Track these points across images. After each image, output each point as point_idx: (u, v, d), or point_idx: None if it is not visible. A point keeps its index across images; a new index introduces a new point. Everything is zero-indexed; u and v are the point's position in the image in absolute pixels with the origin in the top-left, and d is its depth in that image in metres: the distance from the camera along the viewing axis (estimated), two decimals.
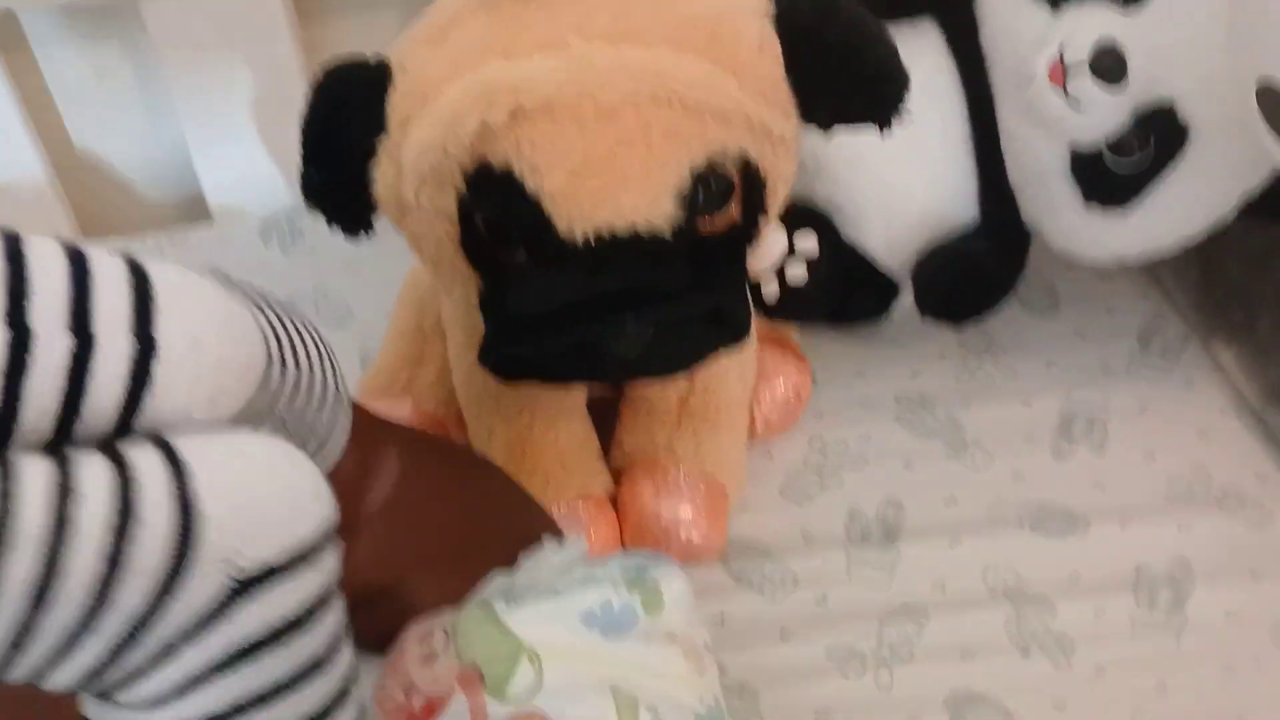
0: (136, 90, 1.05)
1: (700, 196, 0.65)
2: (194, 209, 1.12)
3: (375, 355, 0.91)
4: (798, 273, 0.88)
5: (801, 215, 0.89)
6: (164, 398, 0.45)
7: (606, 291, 0.65)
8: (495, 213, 0.66)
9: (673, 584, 0.63)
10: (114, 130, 1.08)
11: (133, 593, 0.42)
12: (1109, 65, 0.78)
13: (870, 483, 0.87)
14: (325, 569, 0.48)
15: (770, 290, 0.88)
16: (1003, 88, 0.86)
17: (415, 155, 0.65)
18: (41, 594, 0.41)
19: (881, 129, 0.71)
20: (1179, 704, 0.74)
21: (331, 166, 0.69)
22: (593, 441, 0.84)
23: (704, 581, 0.81)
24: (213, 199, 1.08)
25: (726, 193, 0.67)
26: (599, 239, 0.63)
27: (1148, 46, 0.78)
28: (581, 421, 0.84)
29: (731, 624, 0.79)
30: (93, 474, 0.42)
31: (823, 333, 0.97)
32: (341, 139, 0.68)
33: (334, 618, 0.49)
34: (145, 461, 0.43)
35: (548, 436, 0.81)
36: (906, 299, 0.93)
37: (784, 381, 0.89)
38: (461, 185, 0.65)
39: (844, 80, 0.69)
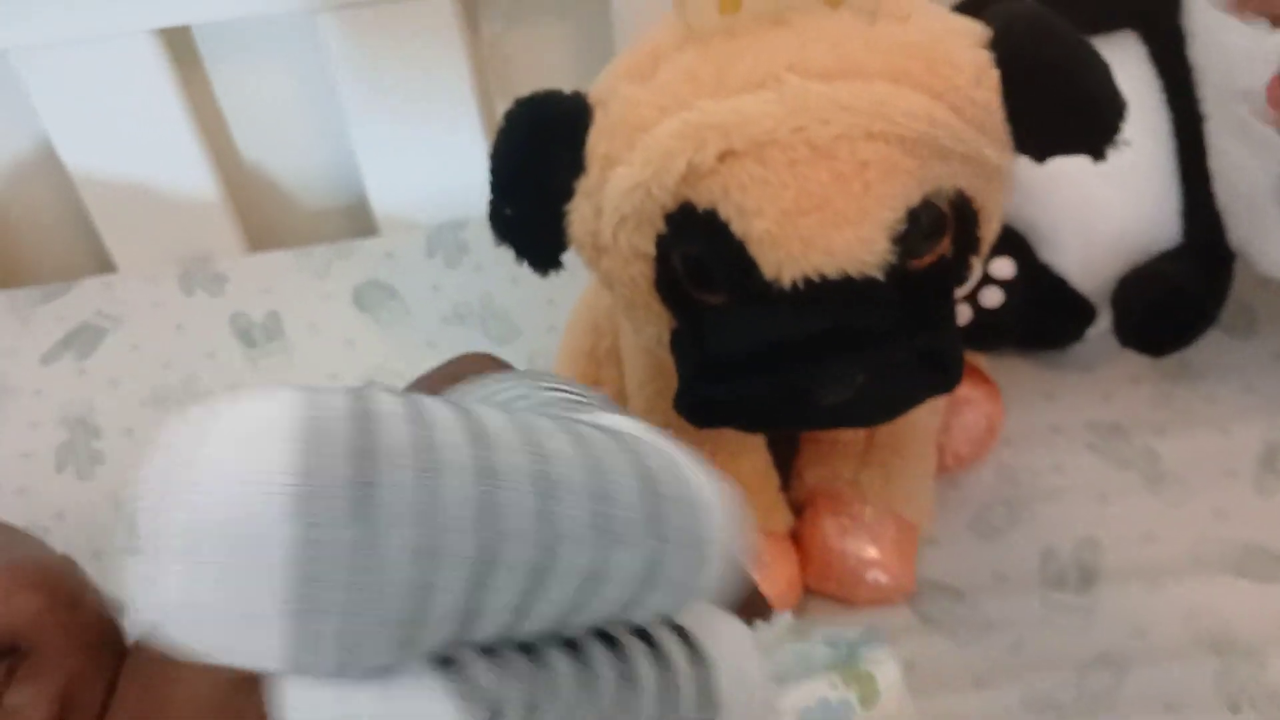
0: (305, 103, 1.05)
1: (913, 235, 0.62)
2: (360, 221, 1.11)
3: None
4: (993, 299, 0.84)
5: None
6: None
7: (813, 333, 0.62)
8: (697, 254, 0.64)
9: (886, 669, 0.60)
10: (282, 143, 1.08)
11: None
12: None
13: (1064, 518, 0.84)
14: None
15: (962, 317, 0.85)
16: (1213, 104, 0.81)
17: (617, 196, 0.63)
18: None
19: (1096, 157, 0.68)
20: None
21: (525, 203, 0.68)
22: (773, 476, 0.82)
23: (890, 623, 0.79)
24: (379, 211, 1.08)
25: (939, 228, 0.65)
26: (807, 282, 0.61)
27: None
28: (762, 455, 0.82)
29: (921, 669, 0.77)
30: (645, 666, 0.43)
31: (1008, 353, 0.93)
32: (538, 176, 0.67)
33: None
34: (677, 653, 0.45)
35: (728, 470, 0.79)
36: (1101, 322, 0.89)
37: (975, 411, 0.85)
38: (661, 226, 0.63)
39: (1061, 106, 0.66)
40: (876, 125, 0.60)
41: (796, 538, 0.81)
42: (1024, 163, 0.83)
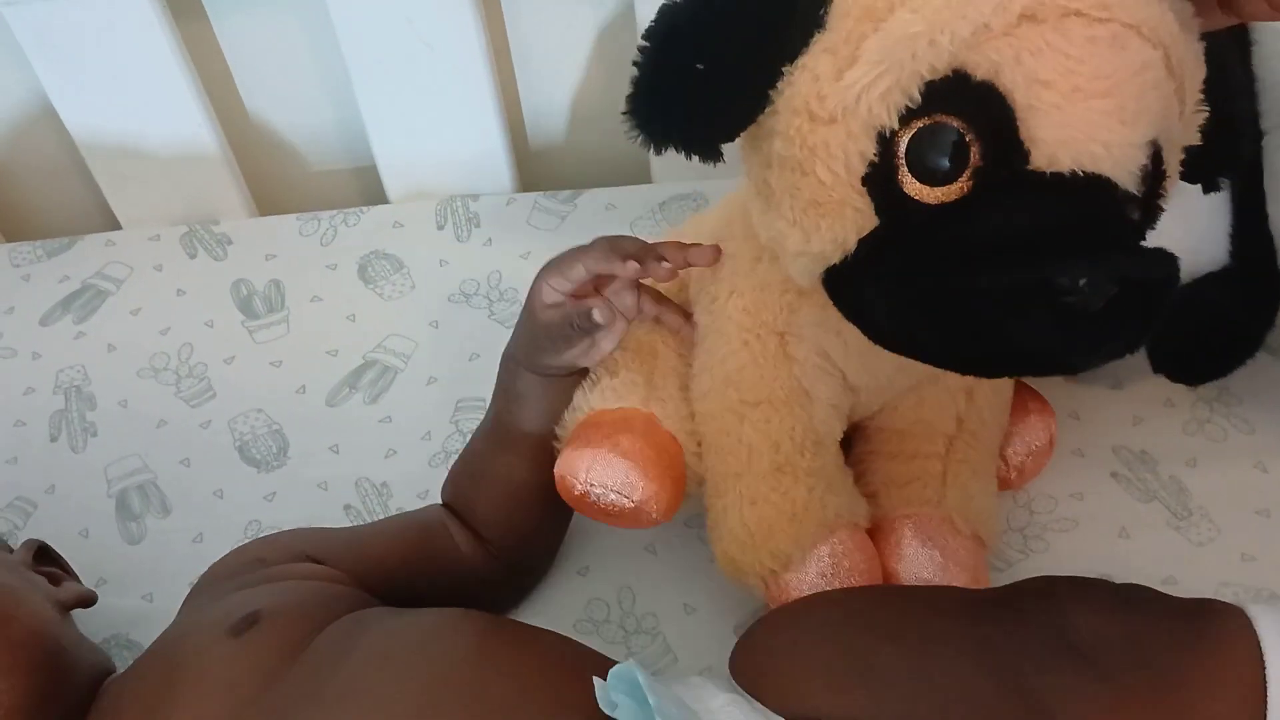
0: (313, 63, 1.01)
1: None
2: (369, 184, 1.08)
3: None
4: None
5: None
6: None
7: (1070, 227, 0.56)
8: (943, 133, 0.57)
9: None
10: (289, 103, 1.04)
11: None
12: None
13: (1080, 551, 0.79)
14: None
15: None
16: (1275, 120, 0.75)
17: (889, 45, 0.56)
18: None
19: (1207, 185, 0.66)
20: None
21: (733, 55, 0.59)
22: (849, 471, 0.74)
23: None
24: (388, 178, 1.04)
25: (1143, 185, 0.59)
26: (1071, 176, 0.55)
27: None
28: (835, 451, 0.74)
29: None
30: None
31: None
32: (761, 25, 0.59)
33: None
34: None
35: (809, 464, 0.71)
36: None
37: (1038, 423, 0.79)
38: (916, 94, 0.56)
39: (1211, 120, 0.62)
40: (1162, 35, 0.56)
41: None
42: None
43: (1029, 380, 0.82)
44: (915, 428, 0.75)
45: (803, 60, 0.58)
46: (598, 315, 0.68)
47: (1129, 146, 0.55)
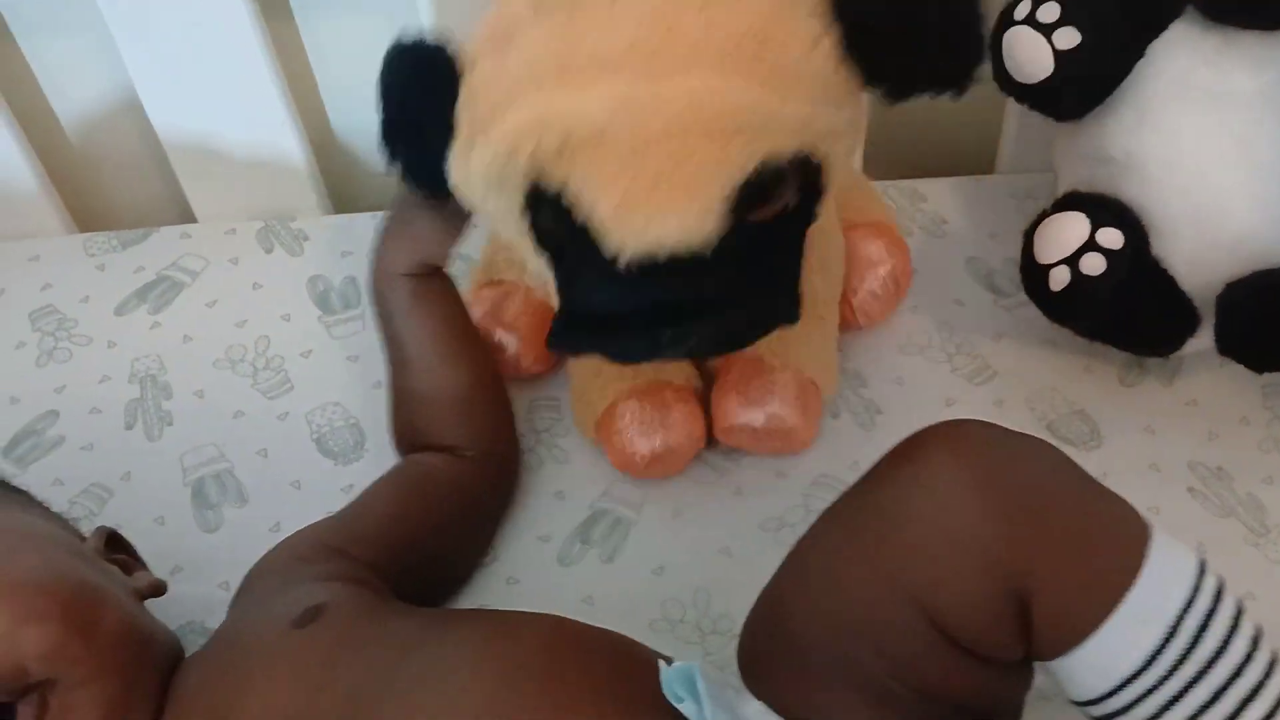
0: None
1: (750, 196, 0.65)
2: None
3: None
4: (1094, 266, 0.80)
5: (1111, 210, 0.81)
6: None
7: (654, 302, 0.67)
8: (550, 229, 0.68)
9: None
10: (370, 106, 1.04)
11: None
12: None
13: None
14: None
15: (1059, 280, 0.80)
16: None
17: (480, 168, 0.68)
18: None
19: (953, 92, 0.68)
20: None
21: (411, 148, 0.73)
22: None
23: None
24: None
25: (778, 183, 0.67)
26: (645, 258, 0.65)
27: None
28: None
29: None
30: None
31: (1110, 384, 0.89)
32: (419, 126, 0.72)
33: None
34: None
35: None
36: (1204, 338, 0.83)
37: (883, 271, 0.89)
38: (521, 199, 0.67)
39: (906, 49, 0.67)
40: (699, 125, 0.62)
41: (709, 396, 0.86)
42: (1142, 143, 0.80)
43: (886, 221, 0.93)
44: None
45: (450, 158, 0.70)
46: None
47: (687, 226, 0.64)
